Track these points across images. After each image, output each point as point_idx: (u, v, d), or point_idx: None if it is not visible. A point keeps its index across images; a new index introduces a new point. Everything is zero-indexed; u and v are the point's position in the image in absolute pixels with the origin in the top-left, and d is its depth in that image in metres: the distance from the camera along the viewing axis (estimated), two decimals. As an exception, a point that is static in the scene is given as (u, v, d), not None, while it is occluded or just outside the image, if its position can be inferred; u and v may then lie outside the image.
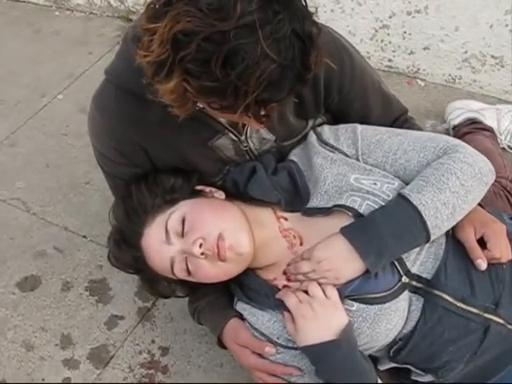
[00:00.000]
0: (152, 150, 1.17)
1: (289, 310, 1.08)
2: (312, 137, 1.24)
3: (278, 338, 1.12)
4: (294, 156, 1.24)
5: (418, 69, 2.03)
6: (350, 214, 1.10)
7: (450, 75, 1.98)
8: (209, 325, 1.26)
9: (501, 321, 1.09)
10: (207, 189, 1.18)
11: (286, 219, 1.18)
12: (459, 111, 1.76)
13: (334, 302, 1.06)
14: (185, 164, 1.19)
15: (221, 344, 1.23)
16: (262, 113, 0.91)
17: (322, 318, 1.05)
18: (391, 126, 1.30)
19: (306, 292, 1.08)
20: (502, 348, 1.10)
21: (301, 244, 1.16)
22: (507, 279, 1.12)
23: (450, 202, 1.06)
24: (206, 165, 1.20)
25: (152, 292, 1.27)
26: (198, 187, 1.18)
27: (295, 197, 1.19)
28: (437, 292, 1.09)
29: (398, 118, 1.33)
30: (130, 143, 1.15)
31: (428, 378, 1.16)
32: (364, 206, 1.11)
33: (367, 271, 1.06)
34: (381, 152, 1.18)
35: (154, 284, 1.21)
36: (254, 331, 1.15)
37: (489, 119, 1.71)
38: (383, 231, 1.05)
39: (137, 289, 1.61)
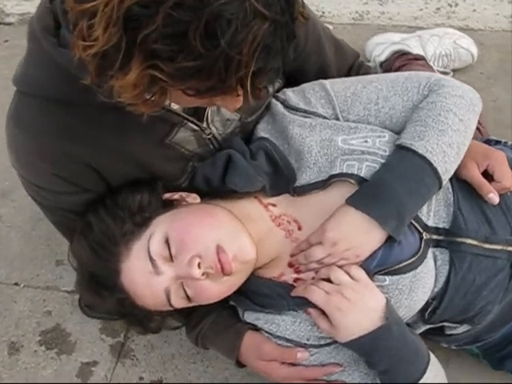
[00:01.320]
0: (101, 164, 0.96)
1: (315, 306, 0.94)
2: (277, 105, 1.09)
3: (307, 340, 0.99)
4: (263, 132, 1.09)
5: (323, 12, 1.92)
6: (353, 181, 0.97)
7: (356, 12, 1.90)
8: (220, 349, 1.09)
9: None
10: (176, 195, 1.01)
11: (274, 205, 1.04)
12: (382, 46, 1.68)
13: (365, 282, 0.94)
14: (143, 172, 0.99)
15: (239, 364, 1.06)
16: (259, 85, 0.74)
17: (359, 305, 0.92)
18: (348, 75, 1.19)
19: (328, 280, 0.95)
20: None
21: (299, 229, 1.02)
22: None
23: (454, 142, 0.98)
24: (168, 167, 1.01)
25: (144, 332, 1.07)
26: (167, 196, 1.00)
27: (278, 178, 1.03)
28: (460, 239, 1.00)
29: (353, 65, 1.22)
30: (71, 162, 0.94)
31: (463, 328, 1.08)
32: (364, 169, 0.99)
33: (387, 240, 0.94)
34: (361, 105, 1.06)
35: (146, 323, 1.01)
36: (276, 340, 1.00)
37: (414, 48, 1.65)
38: (397, 190, 0.94)
39: (100, 325, 1.38)
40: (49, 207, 1.02)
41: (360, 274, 0.94)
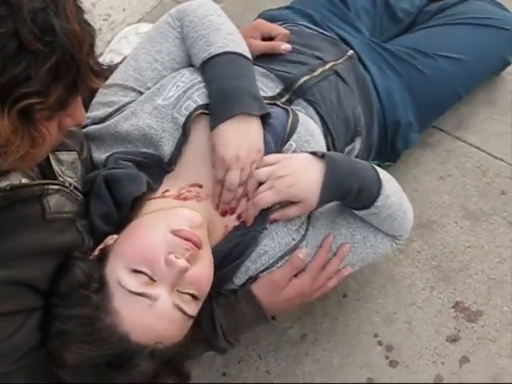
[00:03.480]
0: (25, 275, 0.85)
1: (275, 221, 1.02)
2: (94, 129, 1.08)
3: (293, 239, 1.03)
4: (103, 154, 1.06)
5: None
6: (201, 111, 1.01)
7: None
8: (248, 324, 1.05)
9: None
10: (100, 246, 0.95)
11: (167, 190, 1.02)
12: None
13: (283, 157, 1.01)
14: (54, 257, 0.91)
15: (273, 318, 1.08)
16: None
17: (297, 170, 1.00)
18: None
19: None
20: None
21: (200, 187, 1.02)
22: None
23: (229, 30, 1.10)
24: (65, 238, 0.93)
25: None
26: (95, 254, 0.94)
27: (149, 169, 1.03)
28: (297, 84, 1.16)
29: None
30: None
31: (358, 143, 1.25)
32: (198, 98, 1.03)
33: (263, 122, 1.03)
34: (147, 71, 1.12)
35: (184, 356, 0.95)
36: (275, 265, 1.02)
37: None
38: (231, 84, 1.03)
39: None
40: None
41: (271, 157, 1.00)
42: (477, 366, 1.17)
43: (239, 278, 1.04)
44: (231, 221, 1.02)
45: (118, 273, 0.88)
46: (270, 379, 1.26)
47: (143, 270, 0.87)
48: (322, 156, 0.99)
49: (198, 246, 0.90)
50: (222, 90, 1.02)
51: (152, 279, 0.87)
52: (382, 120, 1.33)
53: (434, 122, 1.43)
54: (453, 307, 1.24)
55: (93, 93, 1.11)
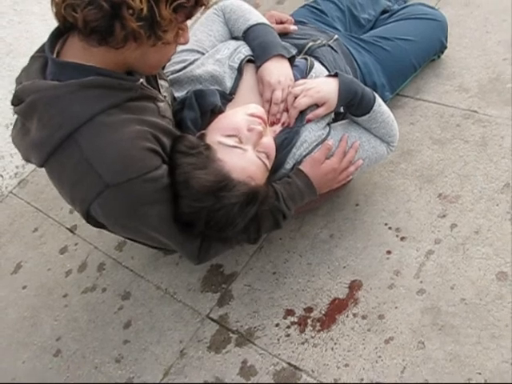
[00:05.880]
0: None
1: (309, 121, 1.51)
2: (173, 74, 1.59)
3: (323, 129, 1.51)
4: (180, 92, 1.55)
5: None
6: (249, 58, 1.56)
7: None
8: (302, 195, 1.47)
9: None
10: (198, 133, 1.38)
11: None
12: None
13: (307, 80, 1.54)
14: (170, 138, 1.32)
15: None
16: None
17: (320, 82, 1.52)
18: None
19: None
20: None
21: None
22: None
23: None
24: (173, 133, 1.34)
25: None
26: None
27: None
28: (308, 45, 1.71)
29: None
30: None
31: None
32: (245, 52, 1.56)
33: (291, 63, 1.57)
34: (206, 39, 1.65)
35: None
36: (314, 150, 1.50)
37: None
38: (269, 39, 1.58)
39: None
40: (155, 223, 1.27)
41: (300, 81, 1.54)
42: (462, 227, 1.59)
43: (289, 164, 1.49)
44: (277, 128, 1.49)
45: (217, 138, 1.32)
46: (311, 269, 1.64)
47: (234, 133, 1.31)
48: (335, 75, 1.49)
49: (265, 122, 1.36)
50: (262, 43, 1.54)
51: (240, 140, 1.31)
52: (363, 82, 1.84)
53: (400, 86, 1.96)
54: (438, 197, 1.68)
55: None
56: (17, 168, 2.34)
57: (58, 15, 1.11)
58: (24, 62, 1.27)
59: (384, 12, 2.10)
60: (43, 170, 1.24)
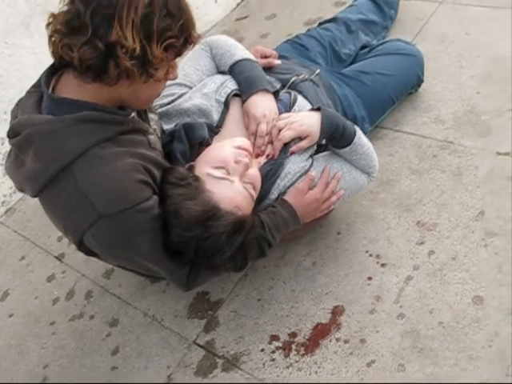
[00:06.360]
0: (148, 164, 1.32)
1: (293, 152, 1.58)
2: (162, 108, 1.67)
3: (306, 161, 1.58)
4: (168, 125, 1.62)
5: None
6: (235, 92, 1.64)
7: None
8: (286, 224, 1.52)
9: None
10: (187, 165, 1.44)
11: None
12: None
13: (290, 114, 1.61)
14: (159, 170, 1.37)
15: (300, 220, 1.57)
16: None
17: (303, 116, 1.59)
18: None
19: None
20: None
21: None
22: None
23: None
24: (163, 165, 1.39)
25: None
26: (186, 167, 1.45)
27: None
28: (292, 80, 1.79)
29: None
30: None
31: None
32: (231, 87, 1.64)
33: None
34: (193, 74, 1.73)
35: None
36: (297, 181, 1.56)
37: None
38: (254, 74, 1.67)
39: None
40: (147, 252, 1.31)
41: (284, 115, 1.62)
42: (439, 254, 1.66)
43: (273, 194, 1.55)
44: (262, 160, 1.55)
45: (206, 170, 1.38)
46: (294, 295, 1.69)
47: (222, 165, 1.38)
48: (317, 108, 1.57)
49: (251, 154, 1.42)
50: (248, 78, 1.62)
51: (228, 172, 1.37)
52: (344, 115, 1.92)
53: (379, 118, 2.04)
54: (416, 225, 1.75)
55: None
56: (4, 196, 2.37)
57: (54, 53, 1.17)
58: (14, 93, 1.33)
59: (364, 47, 2.20)
60: (30, 198, 1.29)
